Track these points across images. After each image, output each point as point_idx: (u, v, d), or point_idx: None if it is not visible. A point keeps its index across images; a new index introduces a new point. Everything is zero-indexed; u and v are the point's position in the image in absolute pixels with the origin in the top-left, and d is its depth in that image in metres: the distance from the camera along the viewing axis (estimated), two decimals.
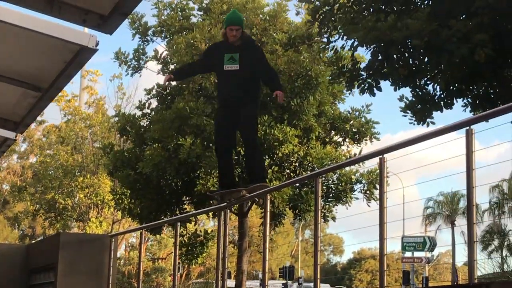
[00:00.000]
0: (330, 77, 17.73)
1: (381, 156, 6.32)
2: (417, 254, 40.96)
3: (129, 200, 22.23)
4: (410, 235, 41.70)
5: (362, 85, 14.09)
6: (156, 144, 20.41)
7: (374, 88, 13.99)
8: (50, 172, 38.66)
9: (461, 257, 54.51)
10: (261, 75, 9.05)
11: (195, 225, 24.41)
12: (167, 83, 10.03)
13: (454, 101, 13.71)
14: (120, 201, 22.98)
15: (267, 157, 20.06)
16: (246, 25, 20.92)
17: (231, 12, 10.04)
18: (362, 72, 14.22)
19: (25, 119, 8.52)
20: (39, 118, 40.44)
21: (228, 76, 8.95)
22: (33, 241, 41.97)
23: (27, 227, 63.45)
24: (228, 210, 9.82)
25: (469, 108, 13.81)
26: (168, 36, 22.03)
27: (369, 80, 13.98)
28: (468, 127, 5.42)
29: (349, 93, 15.12)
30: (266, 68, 9.13)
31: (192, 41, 20.19)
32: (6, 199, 62.23)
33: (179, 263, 22.89)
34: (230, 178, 9.22)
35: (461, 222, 60.84)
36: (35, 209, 40.26)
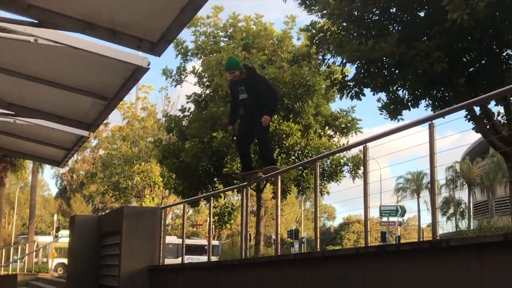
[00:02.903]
0: (325, 88, 17.71)
1: (364, 145, 6.28)
2: (391, 219, 40.82)
3: (174, 181, 22.29)
4: (386, 204, 41.51)
5: (351, 93, 14.12)
6: (194, 139, 20.45)
7: (360, 95, 14.06)
8: (114, 161, 38.76)
9: (425, 221, 54.15)
10: (262, 98, 8.86)
11: (224, 200, 24.43)
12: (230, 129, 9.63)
13: (419, 102, 13.69)
14: (168, 182, 23.05)
15: (277, 147, 20.06)
16: (259, 48, 20.94)
17: (226, 60, 9.80)
18: (350, 83, 14.22)
19: (95, 121, 8.54)
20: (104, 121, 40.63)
21: (243, 103, 9.03)
22: (103, 213, 42.18)
23: (98, 203, 63.80)
24: (249, 188, 9.80)
25: (430, 108, 13.78)
26: (202, 56, 22.04)
27: (355, 89, 13.99)
28: (430, 121, 5.39)
29: (341, 99, 15.16)
30: (265, 93, 8.89)
31: (220, 60, 20.20)
32: (82, 182, 62.64)
33: (212, 228, 22.95)
34: (248, 164, 9.24)
35: (424, 195, 60.74)
36: (104, 189, 40.43)
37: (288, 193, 21.65)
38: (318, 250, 6.92)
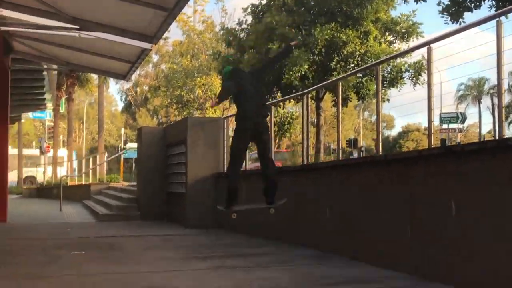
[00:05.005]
0: None
1: (428, 46, 6.05)
2: (451, 126, 40.03)
3: None
4: (446, 111, 40.61)
5: None
6: (252, 50, 20.31)
7: None
8: (176, 75, 39.07)
9: (485, 128, 52.73)
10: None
11: (282, 109, 24.42)
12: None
13: (482, 3, 13.06)
14: None
15: (335, 55, 19.66)
16: None
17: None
18: None
19: (156, 33, 8.57)
20: (163, 36, 40.52)
21: None
22: (168, 124, 43.09)
23: (162, 116, 65.15)
24: (309, 96, 9.68)
25: (493, 9, 13.15)
26: None
27: None
28: (498, 19, 5.11)
29: (404, 2, 14.48)
30: None
31: None
32: (146, 96, 63.85)
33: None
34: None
35: (484, 101, 59.05)
36: (168, 103, 41.05)
37: (349, 100, 21.39)
38: (380, 153, 6.89)
